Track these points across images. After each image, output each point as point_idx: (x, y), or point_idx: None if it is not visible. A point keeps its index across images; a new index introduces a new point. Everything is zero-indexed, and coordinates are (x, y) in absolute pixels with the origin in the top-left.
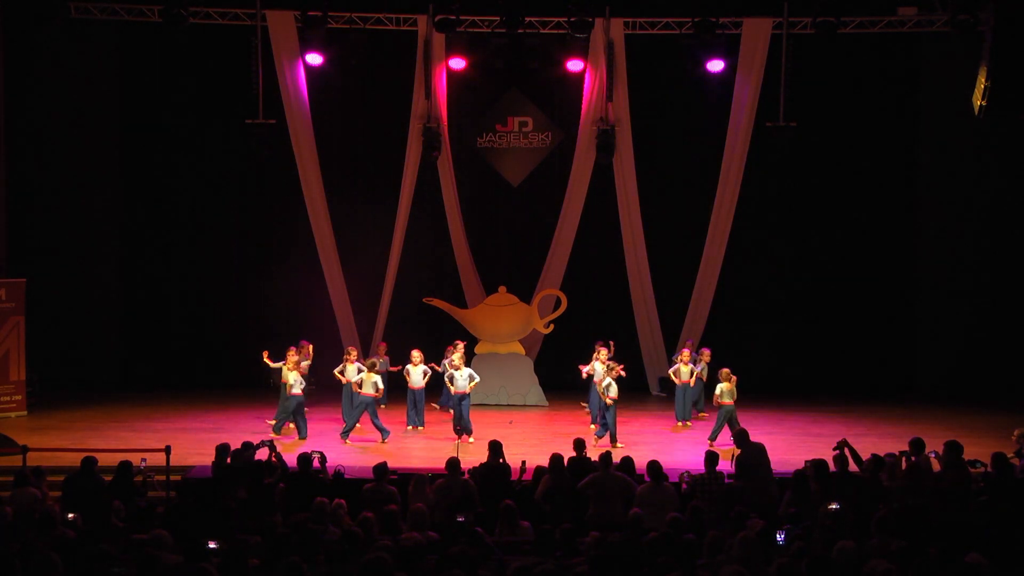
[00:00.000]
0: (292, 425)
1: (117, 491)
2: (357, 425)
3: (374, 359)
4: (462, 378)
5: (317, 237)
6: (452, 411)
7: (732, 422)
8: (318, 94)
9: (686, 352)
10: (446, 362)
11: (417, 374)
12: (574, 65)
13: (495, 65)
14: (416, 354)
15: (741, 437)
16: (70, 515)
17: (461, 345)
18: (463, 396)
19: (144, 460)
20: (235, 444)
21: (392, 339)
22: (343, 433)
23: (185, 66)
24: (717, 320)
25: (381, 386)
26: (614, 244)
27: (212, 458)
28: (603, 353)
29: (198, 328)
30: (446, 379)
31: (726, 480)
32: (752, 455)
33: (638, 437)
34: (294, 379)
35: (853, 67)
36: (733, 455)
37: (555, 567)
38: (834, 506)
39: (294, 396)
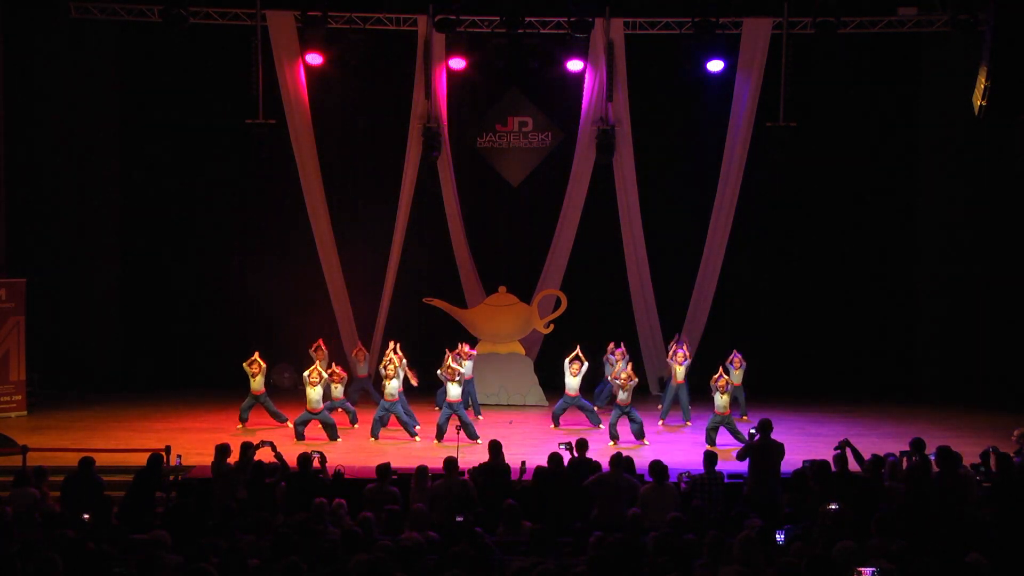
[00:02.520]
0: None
1: (150, 483)
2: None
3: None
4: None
5: (317, 237)
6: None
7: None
8: (318, 94)
9: (680, 353)
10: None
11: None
12: (574, 65)
13: (495, 65)
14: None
15: (764, 427)
16: (85, 516)
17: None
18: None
19: (180, 457)
20: (235, 444)
21: (392, 339)
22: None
23: (185, 66)
24: (717, 320)
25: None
26: (614, 244)
27: (212, 458)
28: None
29: (198, 328)
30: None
31: (726, 480)
32: (765, 448)
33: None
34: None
35: (853, 67)
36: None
37: (555, 567)
38: (833, 506)
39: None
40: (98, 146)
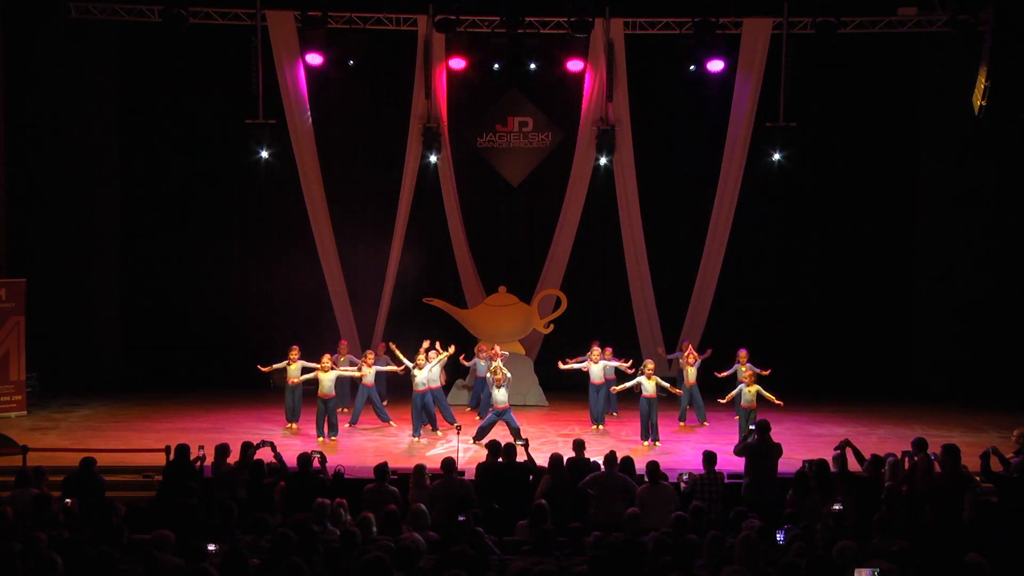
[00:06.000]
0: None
1: (182, 473)
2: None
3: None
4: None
5: (317, 237)
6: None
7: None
8: (318, 94)
9: (692, 354)
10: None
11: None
12: (574, 65)
13: (495, 65)
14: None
15: (762, 428)
16: (68, 500)
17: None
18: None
19: (202, 447)
20: (235, 444)
21: (392, 339)
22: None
23: (185, 66)
24: (717, 320)
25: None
26: (614, 244)
27: (211, 458)
28: (595, 352)
29: (198, 328)
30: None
31: (726, 480)
32: (763, 449)
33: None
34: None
35: (853, 67)
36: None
37: (555, 567)
38: (837, 507)
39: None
40: (98, 146)
